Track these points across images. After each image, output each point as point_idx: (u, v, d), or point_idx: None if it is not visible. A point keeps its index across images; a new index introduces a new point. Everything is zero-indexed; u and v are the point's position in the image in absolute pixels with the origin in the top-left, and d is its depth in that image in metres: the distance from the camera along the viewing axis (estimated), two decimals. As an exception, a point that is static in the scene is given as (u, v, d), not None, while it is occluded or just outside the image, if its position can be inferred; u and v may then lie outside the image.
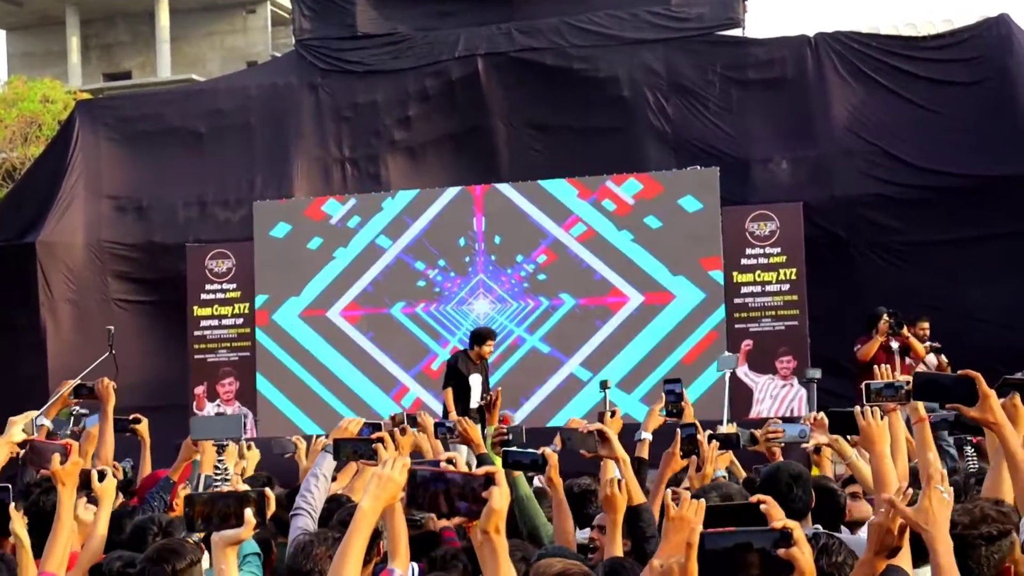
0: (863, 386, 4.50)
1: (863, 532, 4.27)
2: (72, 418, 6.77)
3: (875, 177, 13.05)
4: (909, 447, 4.97)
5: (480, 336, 11.22)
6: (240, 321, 14.17)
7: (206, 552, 3.70)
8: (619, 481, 4.12)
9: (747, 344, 12.81)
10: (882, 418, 4.06)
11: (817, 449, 5.64)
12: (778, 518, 2.59)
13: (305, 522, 4.67)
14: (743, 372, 12.66)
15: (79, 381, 6.39)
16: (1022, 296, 12.12)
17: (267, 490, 3.26)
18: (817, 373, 10.26)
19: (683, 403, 5.90)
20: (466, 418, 6.14)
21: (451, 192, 13.78)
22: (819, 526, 4.41)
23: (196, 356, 14.17)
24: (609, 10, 14.17)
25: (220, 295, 14.23)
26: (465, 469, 3.22)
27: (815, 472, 5.74)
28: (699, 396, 12.26)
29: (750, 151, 13.52)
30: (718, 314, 12.86)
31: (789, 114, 13.53)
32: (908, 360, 11.06)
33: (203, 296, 14.22)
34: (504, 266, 13.54)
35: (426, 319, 13.66)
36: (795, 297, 12.80)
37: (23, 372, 14.14)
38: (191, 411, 13.42)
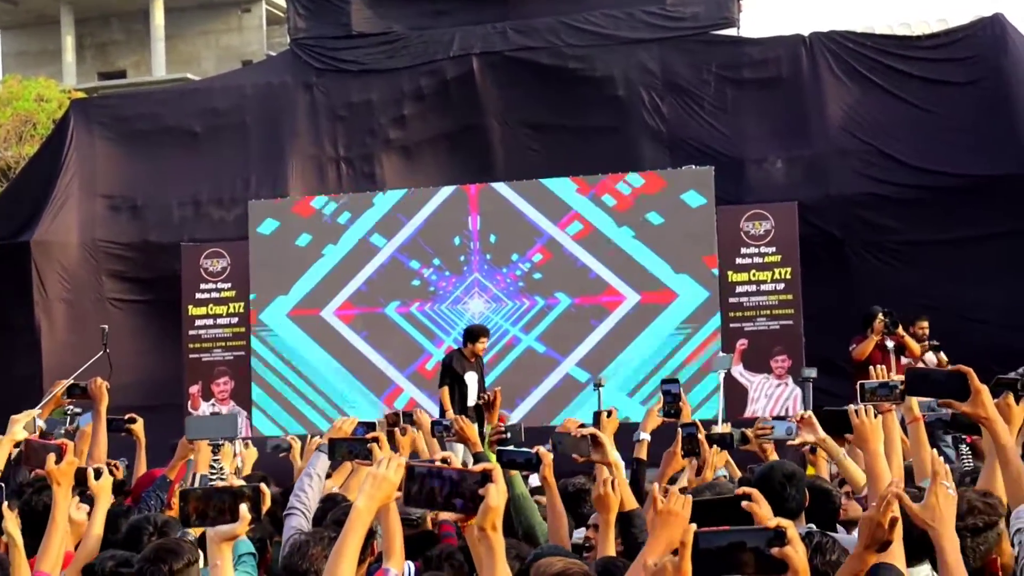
0: (857, 385, 4.51)
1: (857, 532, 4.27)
2: (68, 417, 6.76)
3: (870, 177, 13.06)
4: (904, 447, 4.97)
5: (473, 333, 11.19)
6: (235, 320, 14.14)
7: (202, 553, 3.69)
8: (612, 481, 4.11)
9: (742, 343, 12.79)
10: (876, 417, 4.07)
11: (813, 449, 5.63)
12: (763, 512, 2.60)
13: (299, 521, 4.66)
14: (738, 372, 12.65)
15: (72, 381, 6.37)
16: (1017, 296, 12.13)
17: (262, 486, 3.24)
18: (813, 372, 10.27)
19: (681, 403, 5.88)
20: (463, 416, 6.15)
21: (446, 191, 13.74)
22: (812, 525, 4.41)
23: (191, 355, 14.14)
24: (604, 9, 14.14)
25: (215, 294, 14.20)
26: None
27: (810, 472, 5.74)
28: (704, 396, 12.27)
29: (745, 150, 13.51)
30: (718, 314, 12.86)
31: (784, 113, 13.52)
32: (904, 359, 11.07)
33: (198, 295, 14.19)
34: (499, 265, 13.52)
35: (421, 319, 13.63)
36: (790, 296, 12.79)
37: (18, 372, 14.10)
38: (186, 411, 13.38)
